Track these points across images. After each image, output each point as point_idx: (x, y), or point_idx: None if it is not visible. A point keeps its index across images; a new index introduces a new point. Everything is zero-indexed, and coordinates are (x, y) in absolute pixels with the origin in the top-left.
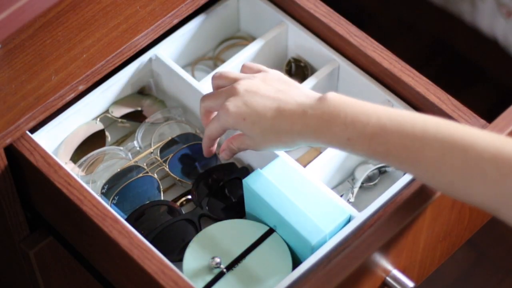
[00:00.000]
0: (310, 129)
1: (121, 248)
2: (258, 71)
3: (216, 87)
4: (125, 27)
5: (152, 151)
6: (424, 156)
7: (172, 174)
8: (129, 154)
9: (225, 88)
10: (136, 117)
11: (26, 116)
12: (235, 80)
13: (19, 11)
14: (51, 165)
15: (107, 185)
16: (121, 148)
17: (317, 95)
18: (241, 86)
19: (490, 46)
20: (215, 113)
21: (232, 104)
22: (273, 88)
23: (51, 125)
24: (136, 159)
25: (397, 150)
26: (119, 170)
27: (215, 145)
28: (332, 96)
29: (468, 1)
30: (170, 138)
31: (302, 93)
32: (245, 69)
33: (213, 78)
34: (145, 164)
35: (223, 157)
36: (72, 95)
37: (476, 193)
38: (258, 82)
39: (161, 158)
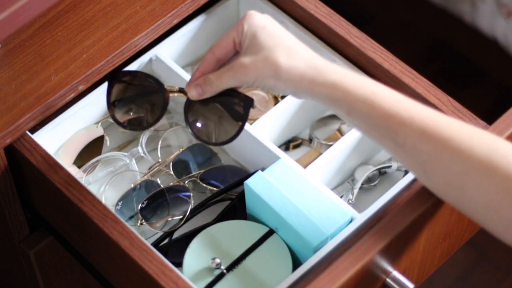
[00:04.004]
0: (333, 70)
1: (121, 249)
2: None
3: None
4: (125, 27)
5: (165, 164)
6: (452, 134)
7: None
8: (133, 160)
9: None
10: None
11: (26, 116)
12: None
13: (19, 11)
14: (52, 166)
15: (121, 202)
16: (126, 153)
17: None
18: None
19: (490, 46)
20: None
21: (258, 13)
22: None
23: (51, 125)
24: (148, 173)
25: (423, 118)
26: (137, 186)
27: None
28: None
29: (468, 1)
30: (181, 150)
31: None
32: None
33: None
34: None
35: (192, 93)
36: (72, 95)
37: (490, 185)
38: None
39: (174, 170)
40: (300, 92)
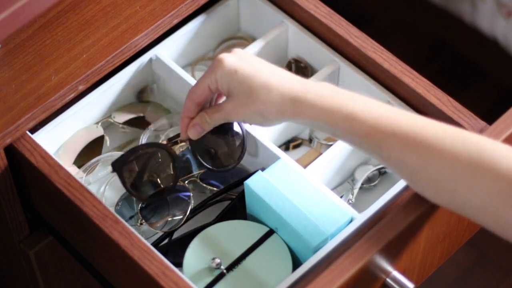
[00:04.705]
0: (310, 96)
1: (121, 249)
2: None
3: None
4: (125, 27)
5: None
6: (435, 143)
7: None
8: None
9: None
10: (138, 124)
11: (26, 116)
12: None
13: (19, 11)
14: (52, 166)
15: (121, 202)
16: None
17: None
18: (239, 50)
19: (490, 46)
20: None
21: (228, 56)
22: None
23: (51, 125)
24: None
25: (404, 130)
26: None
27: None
28: None
29: (468, 1)
30: (180, 150)
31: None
32: None
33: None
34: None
35: (193, 134)
36: (72, 95)
37: (482, 188)
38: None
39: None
40: (286, 121)
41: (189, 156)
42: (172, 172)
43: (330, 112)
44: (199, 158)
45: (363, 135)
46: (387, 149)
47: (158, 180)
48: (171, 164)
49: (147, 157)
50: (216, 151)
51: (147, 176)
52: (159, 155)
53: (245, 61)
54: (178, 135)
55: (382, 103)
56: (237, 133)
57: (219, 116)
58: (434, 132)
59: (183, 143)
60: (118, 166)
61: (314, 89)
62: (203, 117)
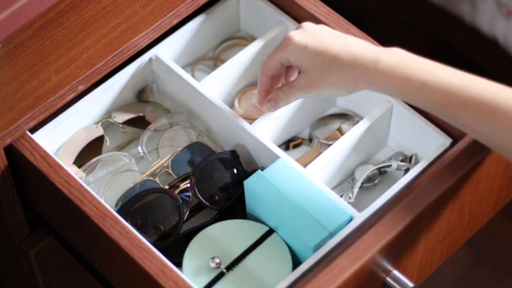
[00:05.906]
0: (381, 66)
1: (121, 248)
2: None
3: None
4: (125, 27)
5: (164, 164)
6: (507, 111)
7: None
8: (133, 160)
9: None
10: (138, 123)
11: (26, 116)
12: None
13: (19, 11)
14: (51, 165)
15: (121, 202)
16: (125, 154)
17: None
18: (308, 24)
19: (490, 46)
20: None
21: (297, 33)
22: (341, 33)
23: (51, 125)
24: (148, 172)
25: (475, 101)
26: (135, 186)
27: (271, 90)
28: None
29: (468, 1)
30: (179, 149)
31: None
32: None
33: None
34: (167, 185)
35: (268, 108)
36: (72, 95)
37: None
38: (326, 27)
39: (173, 170)
40: (360, 90)
41: (188, 155)
42: (175, 217)
43: (401, 82)
44: (206, 202)
45: (436, 105)
46: (461, 119)
47: (163, 224)
48: (174, 208)
49: (153, 201)
50: (217, 186)
51: (154, 219)
52: (163, 200)
53: (314, 36)
54: (178, 180)
55: (454, 70)
56: (232, 164)
57: (293, 92)
58: (505, 101)
59: (184, 186)
60: (124, 212)
61: (385, 57)
62: (277, 93)
